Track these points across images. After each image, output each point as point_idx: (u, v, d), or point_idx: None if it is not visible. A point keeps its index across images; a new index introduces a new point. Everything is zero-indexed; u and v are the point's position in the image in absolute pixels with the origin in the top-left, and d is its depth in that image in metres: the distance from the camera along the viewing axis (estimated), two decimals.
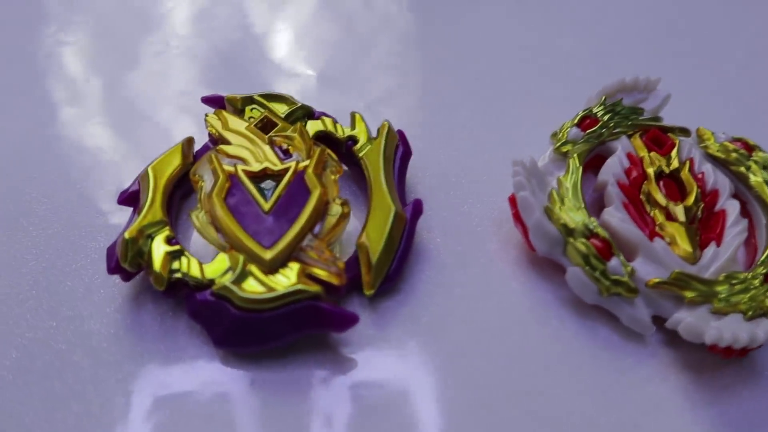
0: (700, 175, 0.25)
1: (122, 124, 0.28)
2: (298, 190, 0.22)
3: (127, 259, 0.21)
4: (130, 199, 0.23)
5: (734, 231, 0.24)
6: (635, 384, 0.22)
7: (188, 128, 0.27)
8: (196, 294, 0.21)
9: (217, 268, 0.21)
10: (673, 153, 0.25)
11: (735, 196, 0.25)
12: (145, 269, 0.21)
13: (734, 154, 0.26)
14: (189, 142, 0.25)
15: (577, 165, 0.25)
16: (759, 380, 0.22)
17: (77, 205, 0.25)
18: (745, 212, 0.25)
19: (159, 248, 0.21)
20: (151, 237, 0.21)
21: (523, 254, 0.24)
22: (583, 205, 0.23)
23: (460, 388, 0.21)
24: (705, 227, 0.24)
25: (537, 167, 0.24)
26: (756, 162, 0.25)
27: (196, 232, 0.22)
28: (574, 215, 0.23)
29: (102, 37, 0.32)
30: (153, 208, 0.22)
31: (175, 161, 0.24)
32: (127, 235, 0.21)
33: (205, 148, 0.25)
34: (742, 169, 0.25)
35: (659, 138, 0.26)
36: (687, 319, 0.21)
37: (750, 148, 0.26)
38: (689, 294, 0.22)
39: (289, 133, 0.24)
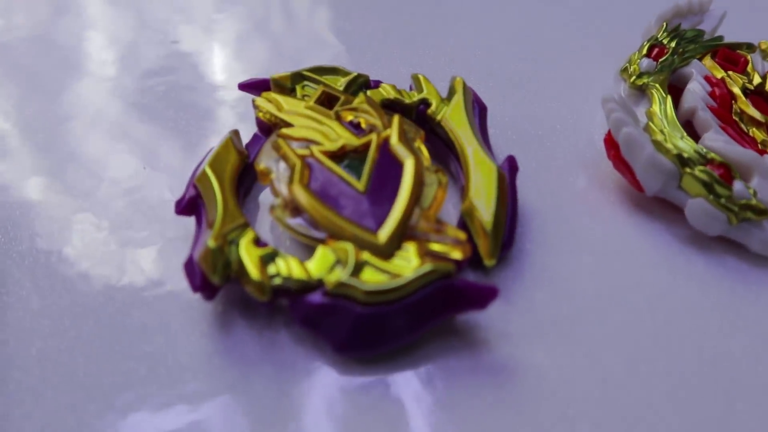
0: None
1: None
2: (388, 164, 0.20)
3: (216, 271, 0.17)
4: (189, 206, 0.20)
5: None
6: None
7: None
8: (304, 298, 0.18)
9: (321, 264, 0.18)
10: (749, 69, 0.24)
11: None
12: (238, 280, 0.18)
13: None
14: (236, 134, 0.21)
15: (663, 95, 0.23)
16: None
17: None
18: None
19: (249, 253, 0.18)
20: (234, 242, 0.18)
21: (626, 198, 0.22)
22: (685, 134, 0.22)
23: (606, 347, 0.19)
24: None
25: (628, 102, 0.22)
26: None
27: (278, 231, 0.19)
28: (682, 144, 0.21)
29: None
30: (228, 209, 0.19)
31: (232, 156, 0.20)
32: (211, 243, 0.18)
33: (256, 139, 0.22)
34: None
35: (731, 56, 0.25)
36: None
37: None
38: None
39: (356, 104, 0.21)
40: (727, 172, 0.21)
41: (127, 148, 0.23)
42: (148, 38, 0.28)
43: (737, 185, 0.21)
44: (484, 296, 0.18)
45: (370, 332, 0.17)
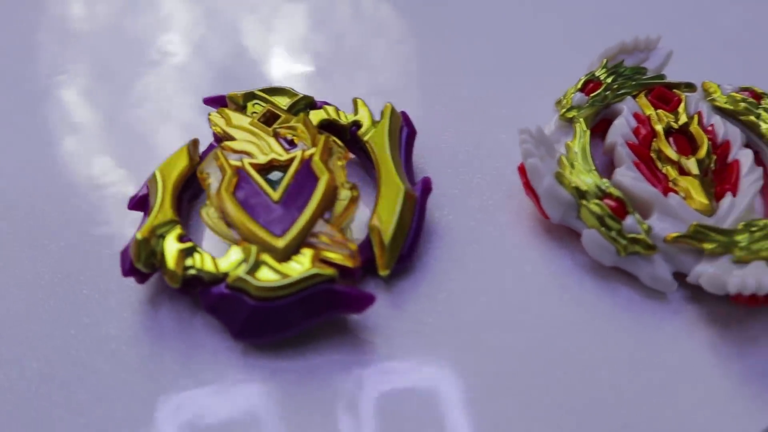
0: (709, 128, 0.25)
1: (126, 143, 0.28)
2: (305, 178, 0.22)
3: (140, 260, 0.21)
4: (140, 203, 0.23)
5: (750, 179, 0.23)
6: (660, 343, 0.21)
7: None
8: (211, 288, 0.21)
9: (230, 261, 0.21)
10: (681, 108, 0.25)
11: (747, 146, 0.25)
12: (160, 269, 0.21)
13: (743, 104, 0.25)
14: (194, 143, 0.25)
15: (584, 129, 0.24)
16: None
17: (88, 216, 0.25)
18: (758, 161, 0.25)
19: (171, 246, 0.21)
20: (162, 236, 0.21)
21: (537, 224, 0.24)
22: (593, 168, 0.23)
23: (482, 363, 0.21)
24: (719, 179, 0.24)
25: (544, 135, 0.24)
26: (766, 109, 0.25)
27: (208, 230, 0.22)
28: (585, 178, 0.23)
29: (98, 67, 0.31)
30: (163, 208, 0.22)
31: (182, 162, 0.24)
32: (138, 235, 0.21)
33: (210, 149, 0.25)
34: (752, 117, 0.25)
35: (665, 95, 0.26)
36: (709, 271, 0.21)
37: (758, 97, 0.25)
38: (708, 246, 0.21)
39: (292, 123, 0.24)
40: (621, 206, 0.22)
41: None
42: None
43: (629, 220, 0.22)
44: (362, 302, 0.20)
45: (260, 322, 0.20)
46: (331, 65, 0.30)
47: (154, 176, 0.23)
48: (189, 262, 0.21)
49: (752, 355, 0.21)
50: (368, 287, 0.22)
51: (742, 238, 0.21)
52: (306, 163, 0.23)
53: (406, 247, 0.22)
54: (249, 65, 0.31)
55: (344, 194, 0.22)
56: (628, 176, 0.23)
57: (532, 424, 0.20)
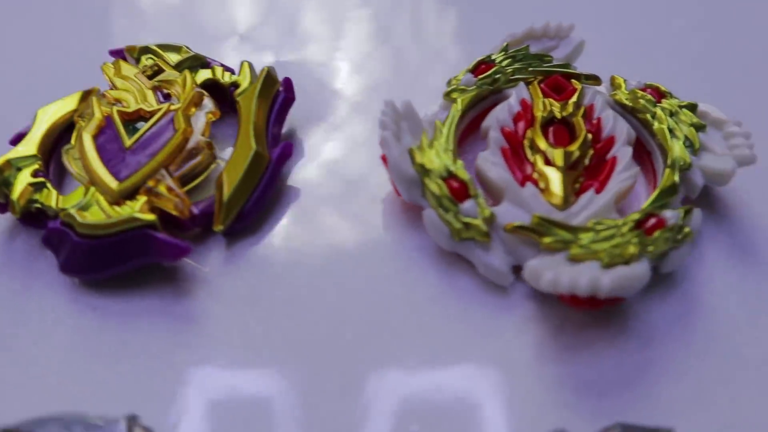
0: (595, 121, 0.23)
1: None
2: (165, 131, 0.23)
3: None
4: (18, 139, 0.24)
5: (620, 178, 0.21)
6: (487, 335, 0.20)
7: None
8: (48, 222, 0.22)
9: (72, 199, 0.22)
10: (572, 99, 0.24)
11: (640, 144, 0.23)
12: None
13: (642, 101, 0.23)
14: (90, 92, 0.26)
15: (459, 109, 0.23)
16: (626, 341, 0.20)
17: None
18: (649, 161, 0.23)
19: (23, 179, 0.22)
20: (19, 169, 0.23)
21: (394, 202, 0.23)
22: (452, 148, 0.22)
23: (303, 331, 0.21)
24: (592, 174, 0.22)
25: (413, 111, 0.23)
26: (663, 109, 0.23)
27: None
28: (438, 157, 0.22)
29: None
30: (29, 143, 0.23)
31: (69, 106, 0.25)
32: None
33: None
34: (648, 116, 0.23)
35: (560, 84, 0.24)
36: (532, 263, 0.19)
37: (660, 95, 0.24)
38: (546, 240, 0.20)
39: (170, 78, 0.24)
40: (463, 189, 0.21)
41: None
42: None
43: (467, 203, 0.21)
44: (176, 251, 0.20)
45: (83, 259, 0.21)
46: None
47: (34, 114, 0.24)
48: (36, 196, 0.22)
49: (575, 362, 0.20)
50: (207, 243, 0.22)
51: (585, 236, 0.20)
52: (169, 116, 0.23)
53: (248, 206, 0.22)
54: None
55: (198, 150, 0.23)
56: (488, 161, 0.22)
57: (344, 395, 0.19)
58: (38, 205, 0.22)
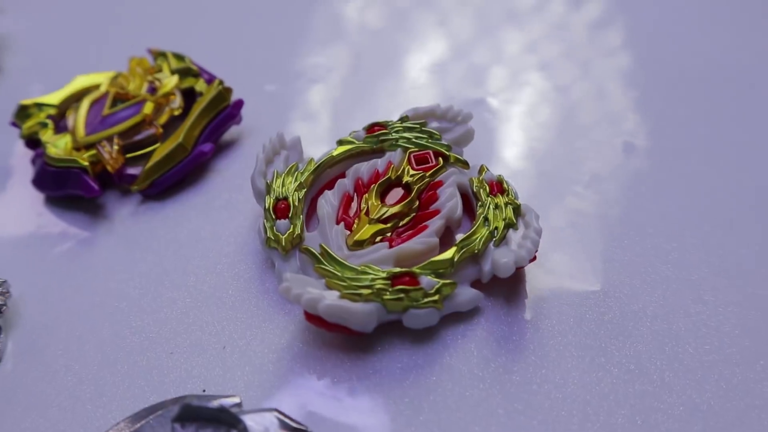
0: (431, 194, 0.27)
1: None
2: (133, 112, 0.31)
3: (16, 117, 0.32)
4: None
5: (414, 242, 0.25)
6: (260, 340, 0.25)
7: None
8: (38, 148, 0.31)
9: (56, 140, 0.31)
10: (428, 173, 0.27)
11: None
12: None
13: (482, 191, 0.26)
14: (119, 74, 0.35)
15: (333, 155, 0.28)
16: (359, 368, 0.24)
17: None
18: None
19: (37, 117, 0.32)
20: (40, 110, 0.32)
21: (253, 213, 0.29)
22: (302, 181, 0.27)
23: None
24: (400, 233, 0.26)
25: (298, 146, 0.29)
26: (493, 200, 0.26)
27: None
28: (286, 185, 0.27)
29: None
30: (56, 96, 0.33)
31: (98, 80, 0.34)
32: (22, 102, 0.32)
33: None
34: (479, 203, 0.26)
35: (427, 158, 0.28)
36: (290, 274, 0.24)
37: (501, 191, 0.26)
38: (318, 266, 0.24)
39: (161, 77, 0.33)
40: (286, 210, 0.26)
41: None
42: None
43: (282, 222, 0.26)
44: (91, 190, 0.29)
45: (44, 179, 0.30)
46: None
47: (74, 78, 0.34)
48: (39, 130, 0.32)
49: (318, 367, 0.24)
50: (129, 198, 0.30)
51: (348, 273, 0.24)
52: (142, 102, 0.31)
53: (160, 178, 0.30)
54: None
55: (151, 131, 0.31)
56: (325, 198, 0.27)
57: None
58: (37, 137, 0.31)
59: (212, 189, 0.31)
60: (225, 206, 0.30)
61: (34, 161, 0.31)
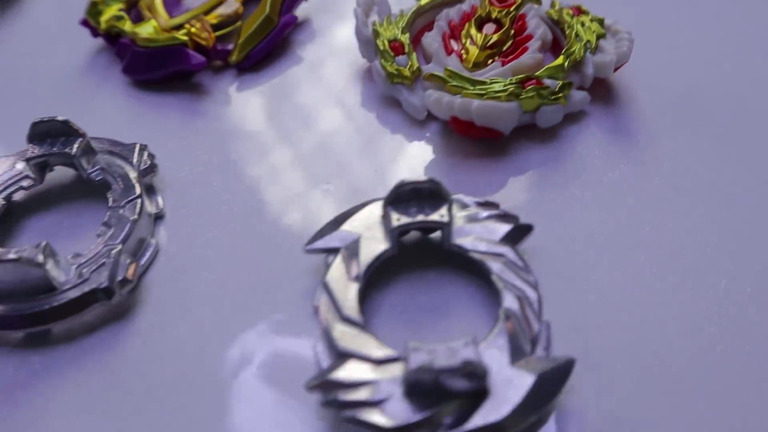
0: (521, 23, 0.30)
1: None
2: None
3: (89, 14, 0.32)
4: None
5: (522, 59, 0.28)
6: (406, 159, 0.28)
7: None
8: (121, 39, 0.31)
9: (138, 27, 0.31)
10: (512, 8, 0.30)
11: (559, 46, 0.30)
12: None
13: (563, 15, 0.30)
14: None
15: (421, 5, 0.31)
16: (504, 168, 0.27)
17: None
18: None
19: (110, 12, 0.32)
20: (108, 5, 0.32)
21: (360, 64, 0.31)
22: (404, 25, 0.30)
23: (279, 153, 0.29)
24: (506, 55, 0.29)
25: (386, 1, 0.31)
26: (578, 20, 0.29)
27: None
28: (391, 30, 0.29)
29: None
30: None
31: None
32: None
33: None
34: (565, 25, 0.30)
35: None
36: (434, 95, 0.27)
37: (580, 12, 0.30)
38: (448, 86, 0.27)
39: None
40: (401, 47, 0.29)
41: None
42: None
43: (401, 57, 0.28)
44: (198, 62, 0.30)
45: (137, 63, 0.30)
46: None
47: None
48: (116, 23, 0.32)
49: (470, 174, 0.27)
50: (228, 72, 0.31)
51: (478, 85, 0.27)
52: None
53: (256, 49, 0.31)
54: None
55: (233, 5, 0.32)
56: (429, 37, 0.30)
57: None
58: (116, 30, 0.32)
59: (303, 58, 0.32)
60: (321, 67, 0.32)
61: (119, 52, 0.31)
